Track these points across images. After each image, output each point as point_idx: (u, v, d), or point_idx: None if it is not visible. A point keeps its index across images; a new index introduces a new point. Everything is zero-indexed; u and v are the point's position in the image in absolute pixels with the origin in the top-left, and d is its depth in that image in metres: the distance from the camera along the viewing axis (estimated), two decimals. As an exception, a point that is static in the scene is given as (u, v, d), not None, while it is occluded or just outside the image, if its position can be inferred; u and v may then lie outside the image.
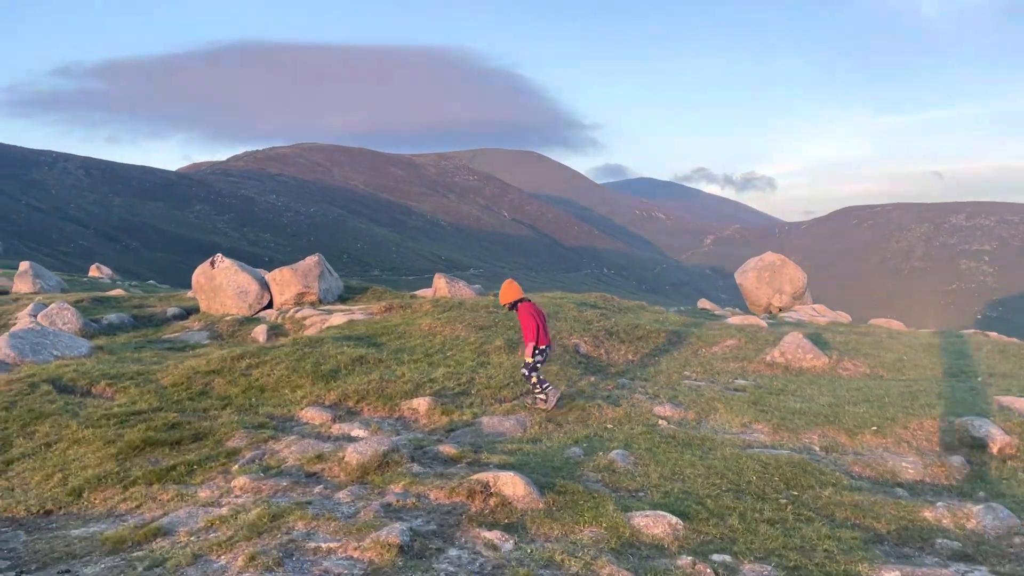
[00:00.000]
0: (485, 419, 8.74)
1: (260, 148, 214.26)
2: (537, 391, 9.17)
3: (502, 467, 6.94)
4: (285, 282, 15.75)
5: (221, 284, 15.72)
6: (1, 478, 7.42)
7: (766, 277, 23.50)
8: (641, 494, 6.53)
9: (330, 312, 14.77)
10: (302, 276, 15.69)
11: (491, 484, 6.25)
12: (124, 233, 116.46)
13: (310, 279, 15.72)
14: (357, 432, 8.20)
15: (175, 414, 8.67)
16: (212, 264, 16.02)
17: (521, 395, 9.90)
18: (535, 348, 9.04)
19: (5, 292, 22.24)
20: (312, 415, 8.88)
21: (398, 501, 6.13)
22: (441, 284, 16.76)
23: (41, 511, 6.65)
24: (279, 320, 14.83)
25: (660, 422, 8.80)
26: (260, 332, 13.97)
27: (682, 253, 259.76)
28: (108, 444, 7.78)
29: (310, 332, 13.66)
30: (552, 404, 9.06)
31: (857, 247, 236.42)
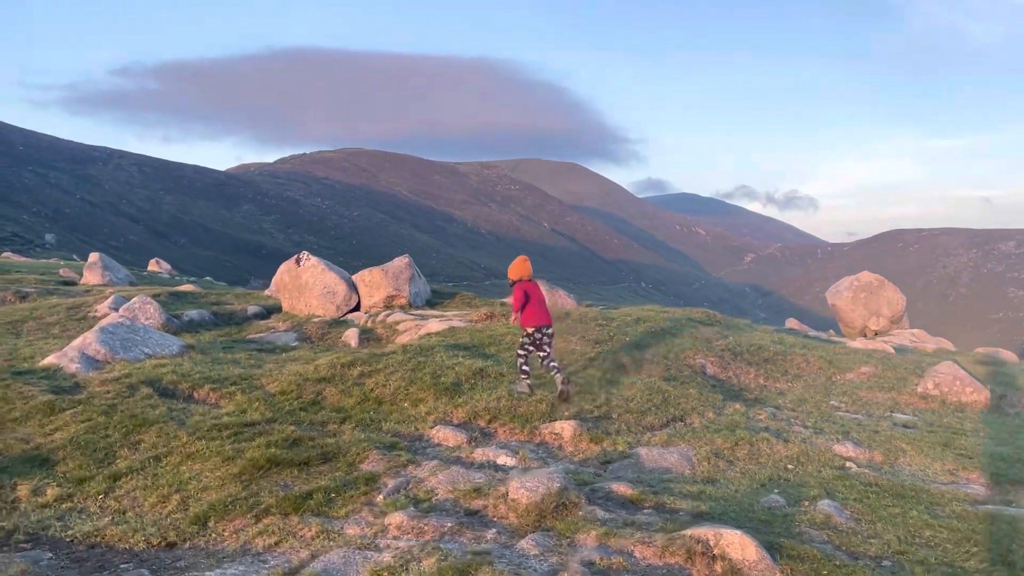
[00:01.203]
0: (643, 450, 7.58)
1: (307, 151, 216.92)
2: (523, 377, 9.03)
3: (700, 517, 5.80)
4: (374, 284, 14.78)
5: (307, 283, 14.84)
6: (109, 497, 6.48)
7: (862, 298, 21.96)
8: (887, 563, 5.30)
9: (424, 317, 13.76)
10: (392, 278, 14.71)
11: (712, 544, 5.09)
12: (173, 230, 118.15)
13: (400, 282, 14.73)
14: (504, 460, 7.11)
15: (292, 427, 7.68)
16: (298, 261, 15.15)
17: (670, 421, 8.74)
18: (524, 331, 9.00)
19: (73, 283, 21.77)
20: (444, 435, 7.82)
21: (601, 559, 5.01)
22: (557, 294, 15.62)
23: (163, 543, 5.67)
24: (369, 324, 13.87)
25: (848, 464, 7.54)
26: (351, 336, 13.02)
27: (722, 270, 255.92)
28: (227, 461, 6.81)
29: (404, 339, 12.66)
30: (558, 394, 8.72)
31: (902, 271, 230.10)
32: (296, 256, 15.42)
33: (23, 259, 34.94)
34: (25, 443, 7.33)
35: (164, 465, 6.92)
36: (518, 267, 9.18)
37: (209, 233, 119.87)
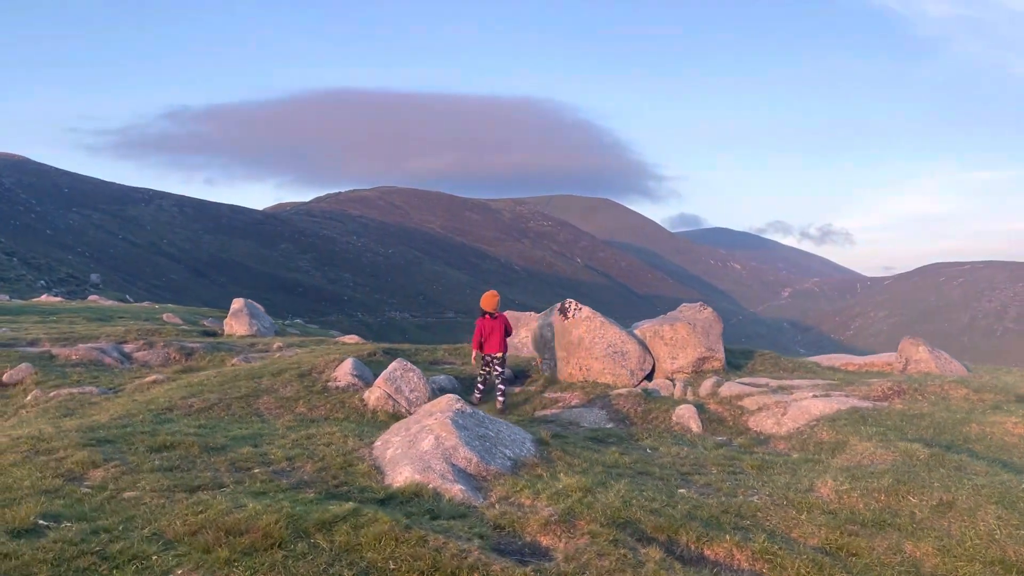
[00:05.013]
0: None
1: (343, 190, 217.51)
2: (477, 392, 10.69)
3: None
4: (678, 342, 11.23)
5: (580, 340, 11.34)
6: None
7: None
8: None
9: (777, 390, 10.16)
10: (703, 334, 11.14)
11: None
12: (213, 269, 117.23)
13: (712, 339, 11.16)
14: None
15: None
16: (564, 313, 11.67)
17: None
18: (478, 354, 10.69)
19: (212, 333, 18.54)
20: None
21: None
22: (921, 354, 11.88)
23: None
24: (689, 395, 10.33)
25: None
26: (687, 417, 9.47)
27: (759, 305, 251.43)
28: None
29: (768, 423, 9.09)
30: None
31: (945, 305, 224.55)
32: (559, 305, 11.95)
33: (112, 303, 32.04)
34: None
35: None
36: (493, 300, 10.62)
37: (248, 272, 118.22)
